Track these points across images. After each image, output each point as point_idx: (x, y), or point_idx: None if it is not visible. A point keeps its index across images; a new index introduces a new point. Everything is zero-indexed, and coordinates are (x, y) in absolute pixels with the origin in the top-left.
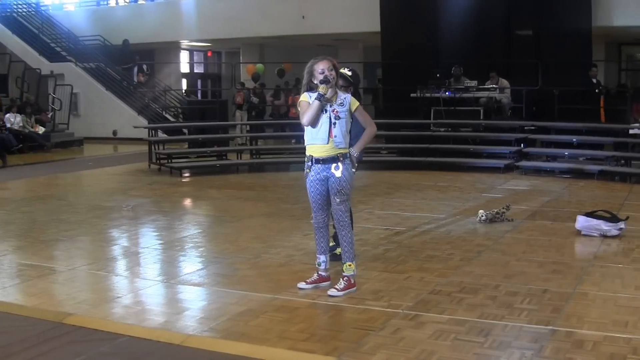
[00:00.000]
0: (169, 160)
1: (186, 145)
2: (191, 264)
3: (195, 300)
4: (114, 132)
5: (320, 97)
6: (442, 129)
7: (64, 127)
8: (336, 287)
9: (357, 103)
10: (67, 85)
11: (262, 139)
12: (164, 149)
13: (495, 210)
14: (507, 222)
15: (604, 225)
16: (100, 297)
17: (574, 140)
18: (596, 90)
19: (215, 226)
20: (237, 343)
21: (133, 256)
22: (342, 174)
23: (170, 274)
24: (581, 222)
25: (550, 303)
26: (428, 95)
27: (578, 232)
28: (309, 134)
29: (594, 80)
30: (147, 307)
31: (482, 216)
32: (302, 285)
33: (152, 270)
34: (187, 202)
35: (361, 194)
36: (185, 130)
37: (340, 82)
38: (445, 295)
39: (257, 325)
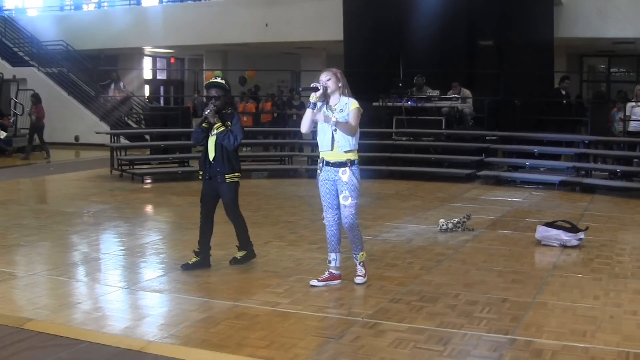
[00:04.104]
0: (131, 167)
1: (148, 152)
2: (152, 271)
3: (155, 306)
4: (76, 138)
5: (311, 105)
6: (404, 138)
7: (26, 132)
8: (359, 274)
9: (356, 105)
10: (29, 90)
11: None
12: (125, 155)
13: (456, 219)
14: (467, 232)
15: (563, 236)
16: (60, 303)
17: (535, 150)
18: (564, 102)
19: (176, 233)
20: (197, 350)
21: (94, 262)
22: (348, 178)
23: (131, 280)
24: (541, 232)
25: (510, 312)
26: (390, 104)
27: (538, 242)
28: (318, 141)
29: (563, 92)
30: (108, 313)
31: (442, 225)
32: (314, 282)
33: (113, 277)
34: (149, 208)
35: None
36: (148, 137)
37: (214, 91)
38: (405, 304)
39: (217, 332)
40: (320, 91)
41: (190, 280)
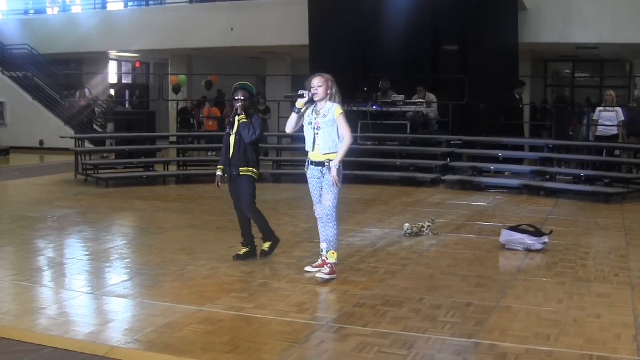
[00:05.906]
0: (96, 171)
1: (113, 156)
2: (116, 275)
3: (119, 311)
4: (41, 142)
5: (296, 110)
6: (369, 143)
7: None
8: (323, 271)
9: (340, 111)
10: None
11: (190, 150)
12: (90, 159)
13: (421, 223)
14: (432, 236)
15: (527, 239)
16: (24, 308)
17: (500, 154)
18: (520, 106)
19: (140, 237)
20: (161, 355)
21: (58, 267)
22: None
23: (95, 285)
24: (505, 235)
25: (474, 316)
26: (355, 108)
27: (502, 246)
28: (305, 141)
29: (517, 96)
30: (72, 318)
31: (407, 229)
32: (308, 268)
33: (77, 281)
34: (113, 213)
35: (286, 207)
36: (112, 141)
37: (240, 93)
38: (369, 308)
39: (181, 336)
40: (306, 98)
41: (155, 285)
